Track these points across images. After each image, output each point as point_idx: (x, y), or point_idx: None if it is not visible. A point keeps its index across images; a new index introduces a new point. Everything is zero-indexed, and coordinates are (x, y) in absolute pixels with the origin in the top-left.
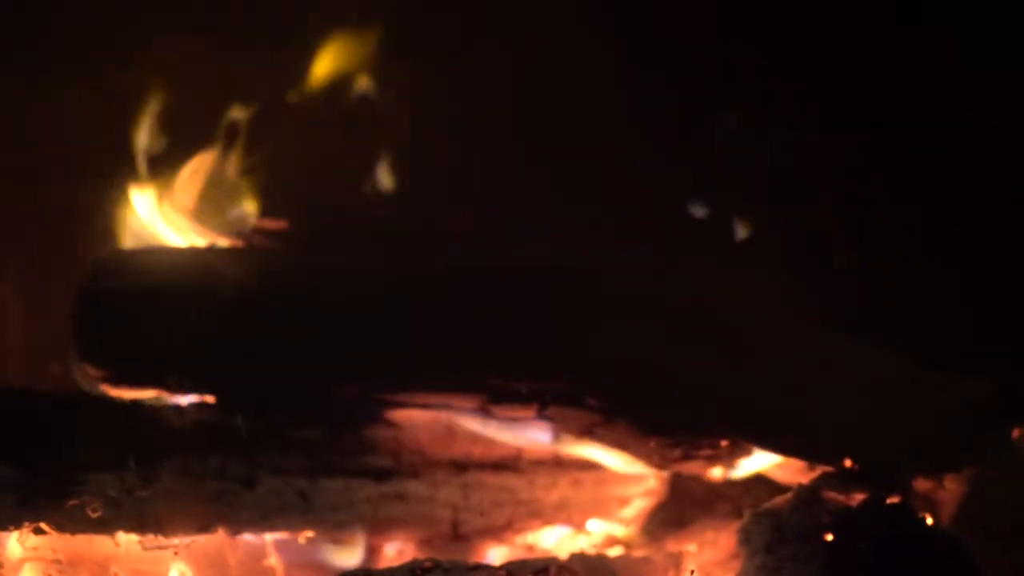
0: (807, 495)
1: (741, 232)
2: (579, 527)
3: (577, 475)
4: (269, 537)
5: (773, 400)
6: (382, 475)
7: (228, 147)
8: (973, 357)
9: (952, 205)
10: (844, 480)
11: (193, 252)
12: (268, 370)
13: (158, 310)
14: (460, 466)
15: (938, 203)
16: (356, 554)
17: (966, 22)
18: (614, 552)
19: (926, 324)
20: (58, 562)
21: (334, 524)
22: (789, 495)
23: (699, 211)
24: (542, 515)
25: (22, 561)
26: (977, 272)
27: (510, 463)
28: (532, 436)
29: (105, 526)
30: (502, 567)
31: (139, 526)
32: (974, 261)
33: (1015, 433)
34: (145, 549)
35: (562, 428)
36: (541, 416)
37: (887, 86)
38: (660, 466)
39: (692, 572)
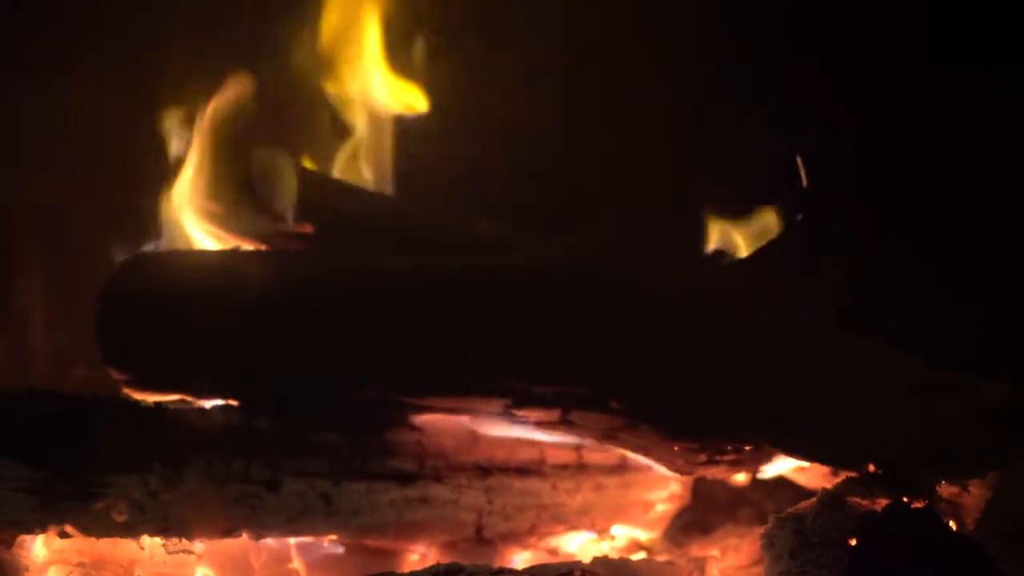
0: (831, 500)
1: (764, 234)
2: (602, 532)
3: (600, 479)
4: (293, 540)
5: (797, 404)
6: (405, 479)
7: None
8: (998, 361)
9: (979, 207)
10: (868, 485)
11: (217, 255)
12: (292, 373)
13: (182, 313)
14: (484, 470)
15: (965, 205)
16: None
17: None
18: (637, 557)
19: (951, 327)
20: (82, 565)
21: (357, 528)
22: (813, 500)
23: (722, 213)
24: (566, 520)
25: (47, 564)
26: (1003, 274)
27: (533, 467)
28: None
29: (129, 529)
30: (526, 571)
31: (163, 529)
32: (1000, 263)
33: None
34: (169, 552)
35: (585, 432)
36: (564, 420)
37: (908, 85)
38: (684, 470)
39: None
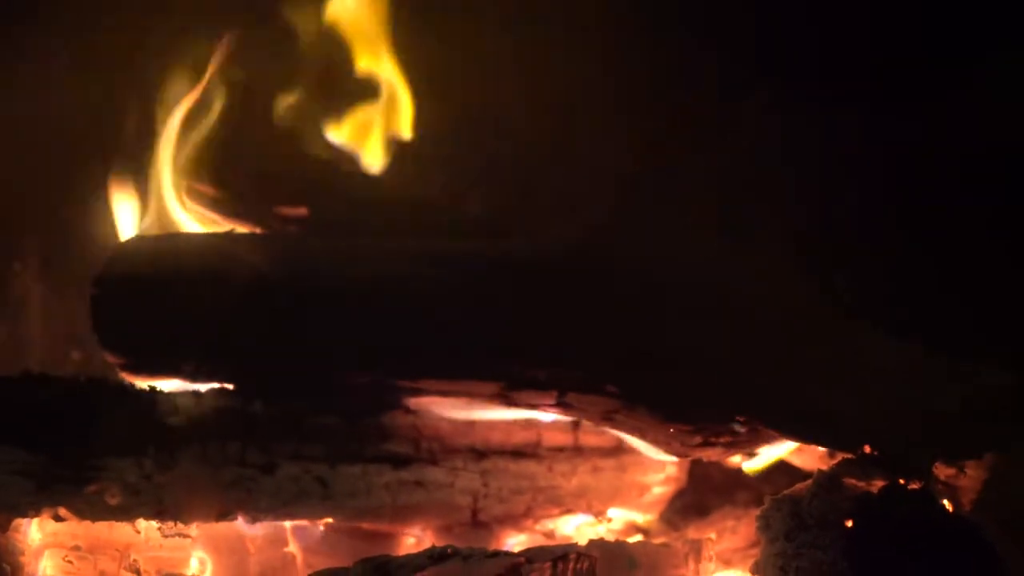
0: (827, 481)
1: (764, 221)
2: (599, 514)
3: (597, 462)
4: (288, 524)
5: (793, 387)
6: (401, 462)
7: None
8: (995, 345)
9: (978, 195)
10: (864, 466)
11: (212, 239)
12: (286, 357)
13: (177, 297)
14: (479, 453)
15: (963, 194)
16: None
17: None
18: (634, 540)
19: (949, 312)
20: (78, 548)
21: (353, 511)
22: (809, 482)
23: (723, 200)
24: (561, 502)
25: (43, 547)
26: (1002, 261)
27: (529, 450)
28: None
29: (124, 512)
30: (521, 554)
31: (158, 513)
32: (999, 251)
33: None
34: (165, 536)
35: (581, 415)
36: (560, 403)
37: (908, 81)
38: (680, 452)
39: (712, 559)
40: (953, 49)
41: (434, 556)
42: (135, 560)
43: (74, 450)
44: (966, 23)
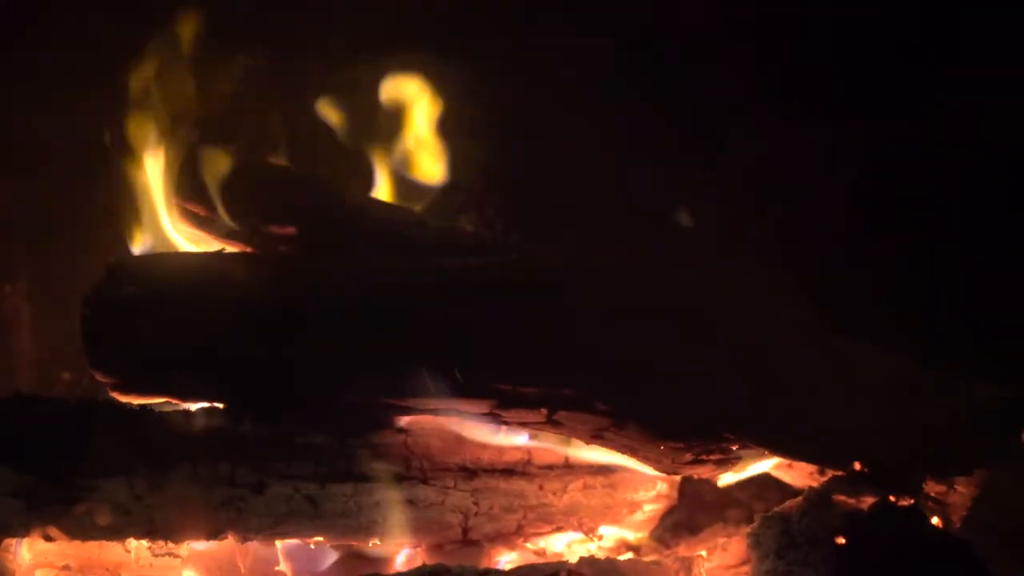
0: (817, 499)
1: (751, 234)
2: (590, 532)
3: (587, 480)
4: (279, 543)
5: (784, 403)
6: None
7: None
8: (984, 360)
9: (965, 208)
10: (854, 483)
11: (202, 258)
12: (276, 376)
13: (167, 317)
14: (470, 471)
15: (951, 206)
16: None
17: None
18: (624, 557)
19: (938, 327)
20: (68, 568)
21: (344, 530)
22: (799, 499)
23: (708, 213)
24: (552, 520)
25: (32, 567)
26: (990, 275)
27: (520, 468)
28: None
29: (115, 532)
30: (512, 572)
31: (149, 532)
32: (987, 264)
33: None
34: (155, 555)
35: (571, 433)
36: (550, 421)
37: (898, 86)
38: (671, 470)
39: None
40: (950, 51)
41: (425, 574)
42: None
43: (64, 470)
44: (963, 23)
